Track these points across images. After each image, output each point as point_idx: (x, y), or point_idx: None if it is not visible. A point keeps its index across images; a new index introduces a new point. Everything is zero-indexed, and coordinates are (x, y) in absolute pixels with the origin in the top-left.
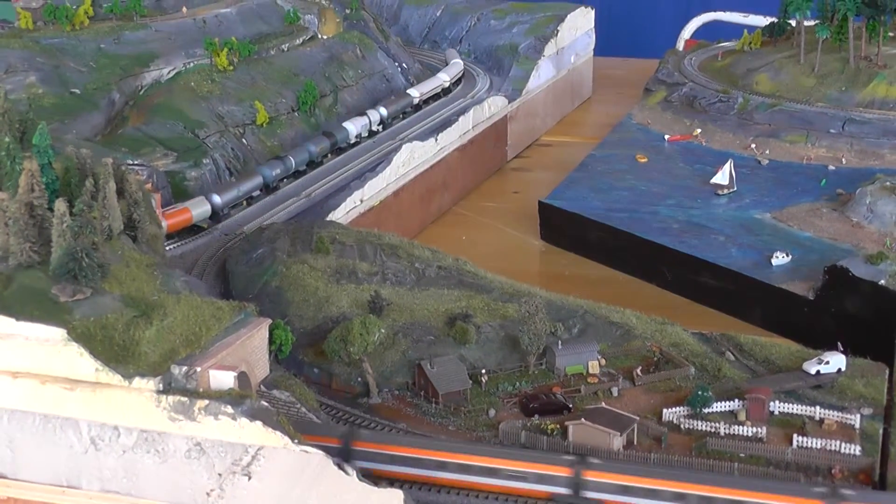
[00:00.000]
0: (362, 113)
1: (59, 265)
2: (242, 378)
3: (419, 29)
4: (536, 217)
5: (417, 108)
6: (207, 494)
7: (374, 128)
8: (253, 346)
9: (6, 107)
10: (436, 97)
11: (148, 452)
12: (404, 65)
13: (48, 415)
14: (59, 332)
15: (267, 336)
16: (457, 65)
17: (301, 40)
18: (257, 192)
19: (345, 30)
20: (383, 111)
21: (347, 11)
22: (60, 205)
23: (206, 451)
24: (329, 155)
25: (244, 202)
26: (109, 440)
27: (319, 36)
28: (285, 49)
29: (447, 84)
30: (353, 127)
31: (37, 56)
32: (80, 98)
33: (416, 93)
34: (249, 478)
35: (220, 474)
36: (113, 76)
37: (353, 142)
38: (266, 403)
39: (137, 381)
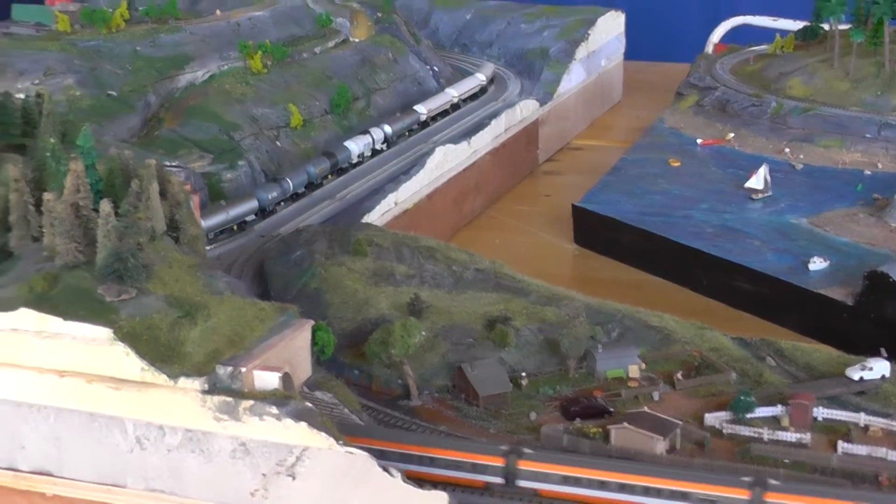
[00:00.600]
0: (365, 131)
1: (104, 265)
2: (287, 379)
3: (449, 32)
4: (569, 220)
5: (425, 124)
6: (252, 494)
7: (378, 146)
8: (296, 347)
9: (49, 109)
10: (445, 112)
11: (193, 452)
12: (436, 68)
13: (94, 413)
14: (105, 332)
15: (309, 337)
16: (473, 79)
17: (333, 43)
18: (252, 217)
19: (376, 33)
20: (388, 129)
21: (379, 15)
22: (106, 205)
23: (251, 451)
24: (330, 176)
25: (234, 227)
26: (155, 439)
27: (351, 39)
28: (318, 52)
29: (456, 100)
30: (356, 146)
31: (74, 58)
32: (116, 100)
33: (423, 109)
34: (294, 478)
35: (264, 474)
36: (148, 78)
37: (355, 161)
38: (310, 404)
39: (183, 381)
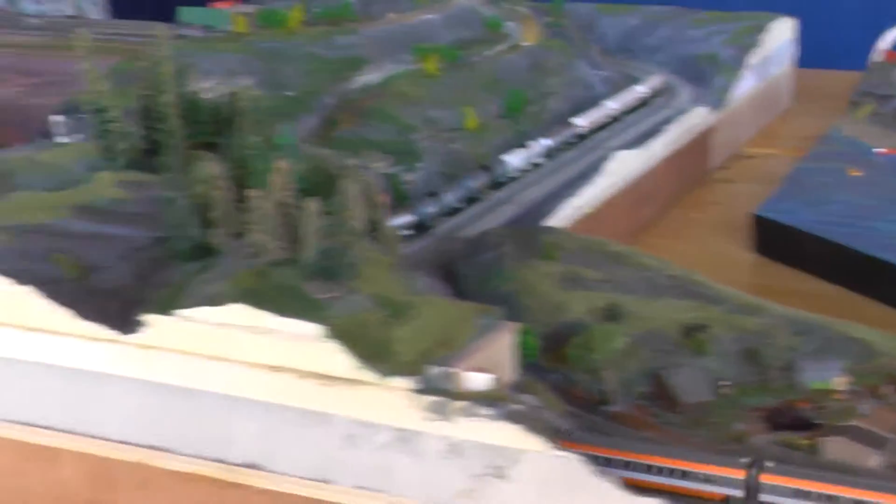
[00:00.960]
0: (523, 144)
1: (313, 263)
2: (497, 381)
3: (615, 38)
4: (743, 229)
5: (583, 137)
6: (461, 496)
7: (537, 160)
8: (501, 349)
9: (245, 107)
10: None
11: (402, 451)
12: (605, 73)
13: (304, 409)
14: (317, 329)
15: (514, 340)
16: (634, 91)
17: (504, 47)
18: (409, 232)
19: (546, 37)
20: (547, 142)
21: (548, 19)
22: (312, 204)
23: (462, 452)
24: (488, 190)
25: None
26: (364, 437)
27: (521, 43)
28: (488, 56)
29: (616, 112)
30: (515, 159)
31: (253, 59)
32: (294, 101)
33: (582, 122)
34: (505, 481)
35: (474, 476)
36: (325, 80)
37: (513, 175)
38: (523, 407)
39: (394, 380)
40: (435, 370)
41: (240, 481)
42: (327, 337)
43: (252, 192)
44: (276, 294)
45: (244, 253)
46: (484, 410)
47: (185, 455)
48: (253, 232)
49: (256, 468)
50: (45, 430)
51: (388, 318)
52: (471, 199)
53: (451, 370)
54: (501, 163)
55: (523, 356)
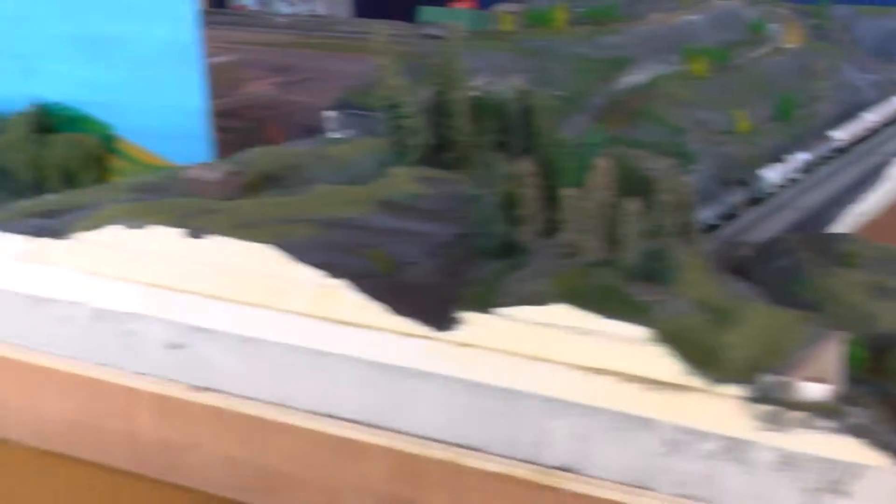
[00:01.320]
0: (781, 159)
1: (637, 264)
2: (835, 392)
3: (873, 41)
4: None
5: (841, 150)
6: None
7: (795, 175)
8: (830, 359)
9: (543, 106)
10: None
11: (730, 460)
12: (873, 78)
13: (625, 413)
14: (643, 332)
15: (842, 351)
16: (892, 102)
17: (768, 49)
18: None
19: (811, 40)
20: (805, 156)
21: (812, 21)
22: (632, 204)
23: (796, 465)
24: (745, 206)
25: None
26: (689, 444)
27: (784, 45)
28: (754, 58)
29: (876, 124)
30: (774, 174)
31: (521, 58)
32: (564, 100)
33: (842, 135)
34: (842, 497)
35: (808, 491)
36: (592, 80)
37: (771, 192)
38: (863, 420)
39: (725, 387)
40: (768, 378)
41: (553, 484)
42: (654, 340)
43: (567, 191)
44: (600, 295)
45: (557, 252)
46: (822, 422)
47: (497, 455)
48: (569, 231)
49: (571, 471)
50: (352, 424)
51: (712, 322)
52: (729, 216)
53: (786, 379)
54: (759, 178)
55: (851, 367)
